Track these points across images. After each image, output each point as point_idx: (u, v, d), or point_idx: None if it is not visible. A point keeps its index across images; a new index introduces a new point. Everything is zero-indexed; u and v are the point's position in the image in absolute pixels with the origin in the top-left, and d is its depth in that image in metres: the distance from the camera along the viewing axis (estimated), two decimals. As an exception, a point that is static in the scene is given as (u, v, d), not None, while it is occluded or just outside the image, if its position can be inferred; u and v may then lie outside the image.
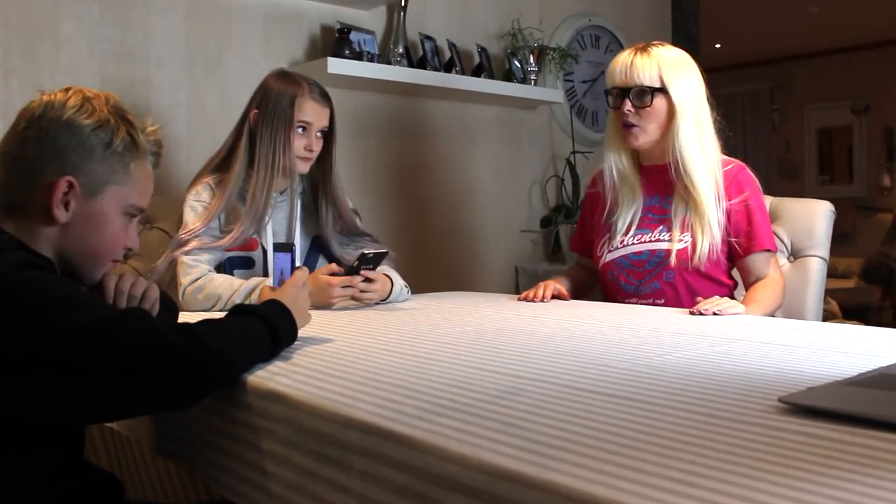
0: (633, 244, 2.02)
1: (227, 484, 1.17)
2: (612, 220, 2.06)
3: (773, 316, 2.01)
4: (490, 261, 3.49)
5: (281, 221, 2.09)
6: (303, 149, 2.02)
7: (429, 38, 3.15)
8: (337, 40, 2.82)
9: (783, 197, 2.22)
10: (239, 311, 1.26)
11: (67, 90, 1.21)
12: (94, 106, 1.19)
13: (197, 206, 2.03)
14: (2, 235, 1.15)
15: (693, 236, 1.94)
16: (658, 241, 1.98)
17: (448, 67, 3.19)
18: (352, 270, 1.88)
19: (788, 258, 2.11)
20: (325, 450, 0.96)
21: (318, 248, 2.13)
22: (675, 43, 4.25)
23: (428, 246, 3.29)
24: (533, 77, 3.42)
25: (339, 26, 2.86)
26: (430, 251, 3.30)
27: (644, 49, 1.99)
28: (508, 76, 3.39)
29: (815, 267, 2.06)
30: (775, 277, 1.94)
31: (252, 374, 1.16)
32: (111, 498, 1.23)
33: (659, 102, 1.95)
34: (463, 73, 3.22)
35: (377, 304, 1.97)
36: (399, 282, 2.05)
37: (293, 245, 1.88)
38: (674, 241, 1.96)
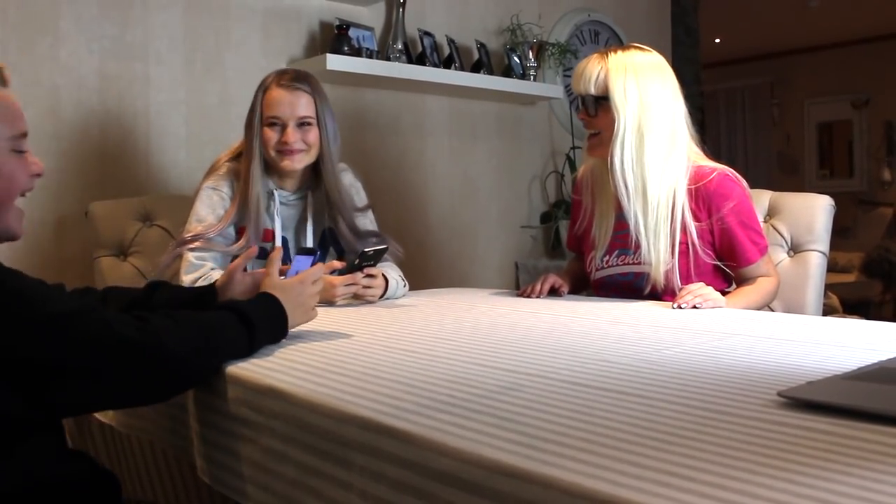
0: (617, 265, 1.98)
1: (226, 480, 1.17)
2: (592, 233, 2.02)
3: (772, 310, 2.01)
4: (490, 257, 3.49)
5: (293, 218, 2.05)
6: (277, 141, 1.93)
7: (428, 34, 3.15)
8: (336, 37, 2.82)
9: (783, 191, 2.21)
10: (219, 306, 1.25)
11: None
12: None
13: (213, 196, 1.96)
14: None
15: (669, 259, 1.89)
16: (639, 263, 1.92)
17: (447, 63, 3.18)
18: (353, 268, 1.88)
19: (788, 253, 2.10)
20: (324, 446, 0.96)
21: (327, 242, 2.09)
22: (675, 38, 4.28)
23: (427, 242, 3.29)
24: (532, 73, 3.42)
25: (337, 23, 2.86)
26: (430, 247, 3.30)
27: (603, 55, 1.90)
28: (508, 72, 3.38)
29: (815, 261, 2.06)
30: (766, 278, 1.91)
31: (251, 369, 1.16)
32: (109, 496, 1.23)
33: (606, 112, 1.87)
34: (462, 68, 3.22)
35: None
36: (393, 276, 2.01)
37: (316, 251, 1.82)
38: (652, 265, 1.89)
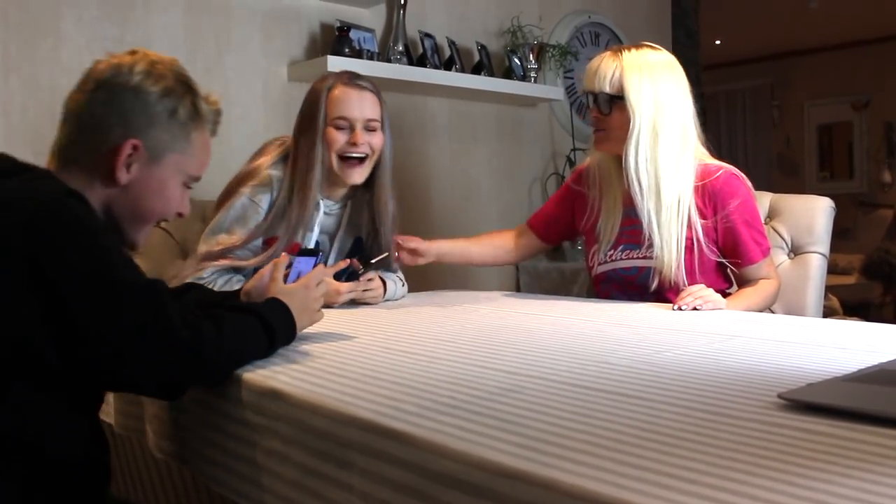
0: (622, 259, 1.97)
1: (227, 482, 1.17)
2: (598, 227, 2.01)
3: (772, 312, 2.01)
4: (490, 258, 3.48)
5: (330, 229, 1.97)
6: (345, 143, 1.81)
7: (428, 35, 3.15)
8: (337, 38, 2.82)
9: (783, 193, 2.21)
10: (240, 309, 1.26)
11: (134, 53, 1.23)
12: (161, 72, 1.22)
13: (249, 209, 1.83)
14: (48, 174, 1.18)
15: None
16: (645, 258, 1.92)
17: (448, 65, 3.18)
18: (355, 275, 1.87)
19: (789, 254, 2.11)
20: (325, 447, 0.96)
21: (356, 250, 2.00)
22: (675, 40, 4.28)
23: (428, 243, 3.28)
24: (533, 74, 3.42)
25: (338, 24, 2.86)
26: (431, 249, 3.29)
27: (616, 52, 1.90)
28: (508, 74, 3.39)
29: (816, 263, 2.06)
30: (767, 280, 1.91)
31: (252, 371, 1.16)
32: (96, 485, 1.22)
33: (620, 110, 1.87)
34: (463, 70, 3.22)
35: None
36: (391, 277, 2.00)
37: (319, 252, 1.76)
38: (664, 262, 1.88)
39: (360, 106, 1.83)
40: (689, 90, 1.92)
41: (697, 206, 1.89)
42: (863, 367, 1.06)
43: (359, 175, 1.87)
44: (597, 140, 1.96)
